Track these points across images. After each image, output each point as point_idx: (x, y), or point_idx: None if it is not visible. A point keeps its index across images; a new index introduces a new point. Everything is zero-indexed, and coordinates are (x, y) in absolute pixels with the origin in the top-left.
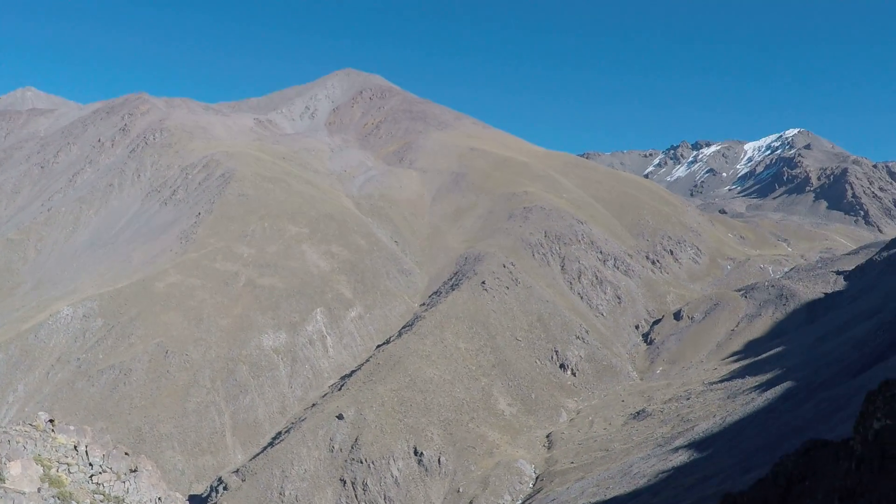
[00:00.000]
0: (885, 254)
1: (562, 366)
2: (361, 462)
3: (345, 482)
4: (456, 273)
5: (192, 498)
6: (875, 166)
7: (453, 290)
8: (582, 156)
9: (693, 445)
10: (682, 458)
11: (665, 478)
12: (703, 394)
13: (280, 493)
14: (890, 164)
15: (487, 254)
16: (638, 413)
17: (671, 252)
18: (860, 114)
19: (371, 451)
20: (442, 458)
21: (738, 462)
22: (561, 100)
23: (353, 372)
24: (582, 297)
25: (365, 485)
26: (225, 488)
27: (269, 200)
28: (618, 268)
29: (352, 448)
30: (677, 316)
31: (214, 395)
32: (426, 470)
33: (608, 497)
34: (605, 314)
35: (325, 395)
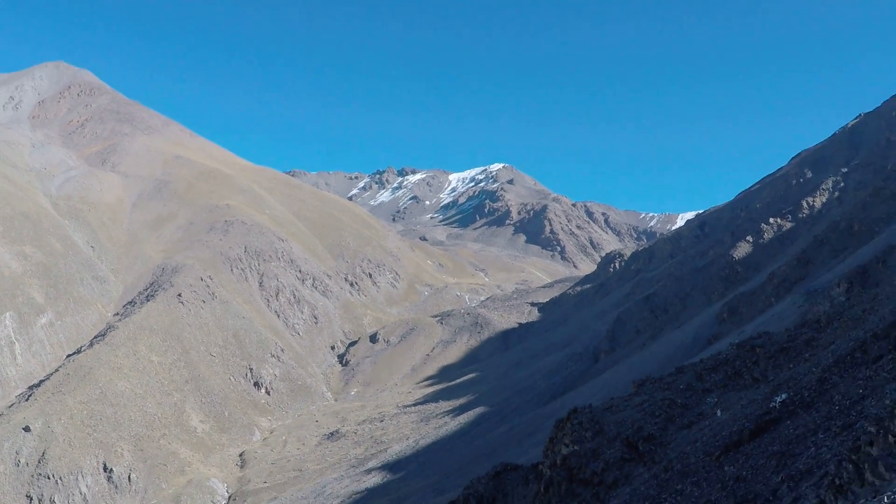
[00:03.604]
0: (578, 288)
1: (256, 384)
2: (49, 477)
3: (31, 498)
4: (152, 283)
5: None
6: (574, 205)
7: (149, 301)
8: (288, 173)
9: (386, 467)
10: (375, 479)
11: (359, 499)
12: (397, 416)
13: None
14: (588, 204)
15: (186, 266)
16: (332, 434)
17: (370, 275)
18: (562, 154)
19: (59, 466)
20: (132, 475)
21: (431, 484)
22: (270, 114)
23: (41, 381)
24: (279, 315)
25: (52, 501)
26: None
27: None
28: (316, 288)
29: (38, 462)
30: (373, 338)
31: None
32: (116, 487)
33: None
34: (301, 333)
35: (12, 405)
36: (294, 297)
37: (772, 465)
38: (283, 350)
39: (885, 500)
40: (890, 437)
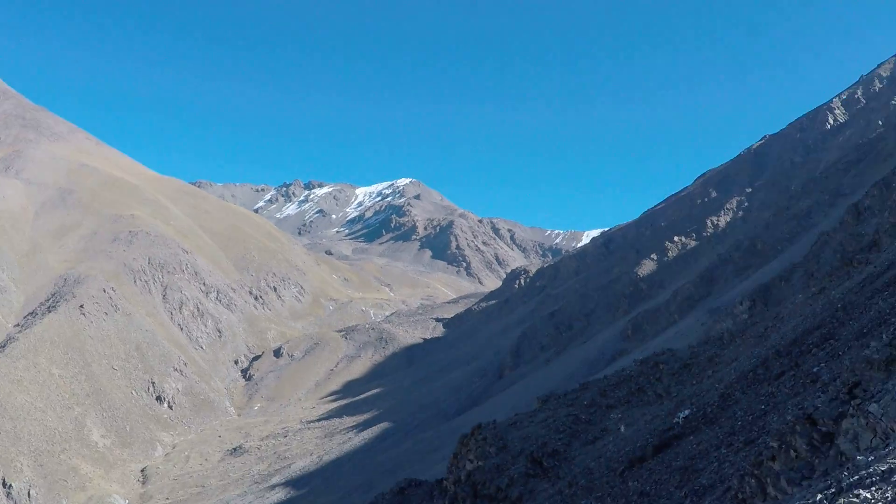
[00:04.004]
0: (483, 304)
1: (158, 398)
2: None
3: None
4: (54, 294)
5: None
6: (480, 221)
7: (50, 312)
8: (194, 184)
9: (290, 483)
10: (279, 495)
11: None
12: (301, 431)
13: None
14: (494, 220)
15: (88, 276)
16: (235, 449)
17: (275, 289)
18: (470, 170)
19: None
20: (32, 491)
21: (336, 500)
22: (177, 124)
23: None
24: (182, 329)
25: None
26: None
27: None
28: (220, 301)
29: None
30: (277, 353)
31: None
32: (15, 503)
33: None
34: (204, 347)
35: None
36: (198, 311)
37: (675, 480)
38: (186, 364)
39: None
40: (792, 452)
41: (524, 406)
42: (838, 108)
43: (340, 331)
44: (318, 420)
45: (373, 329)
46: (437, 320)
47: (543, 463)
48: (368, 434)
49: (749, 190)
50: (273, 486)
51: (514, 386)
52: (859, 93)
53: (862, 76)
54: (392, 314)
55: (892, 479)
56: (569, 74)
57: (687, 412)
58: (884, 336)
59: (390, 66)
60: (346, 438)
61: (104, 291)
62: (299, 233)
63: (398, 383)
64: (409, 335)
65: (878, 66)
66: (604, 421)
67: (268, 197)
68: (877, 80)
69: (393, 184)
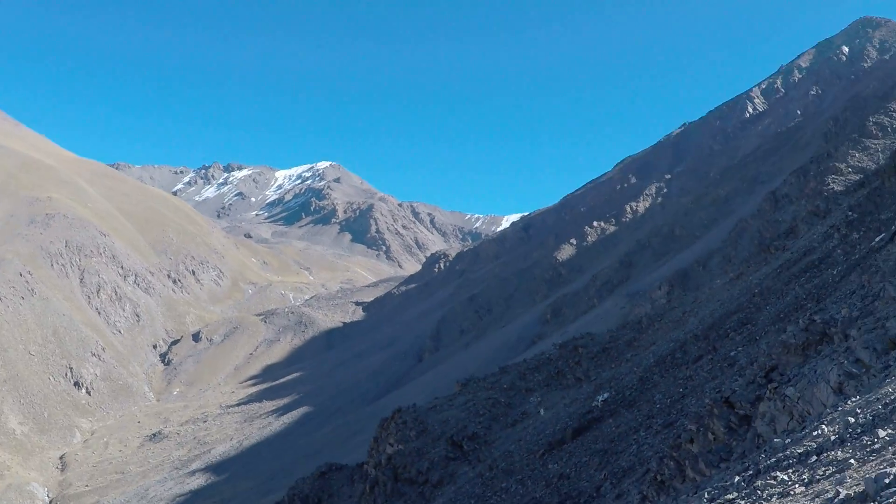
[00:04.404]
0: (402, 288)
1: (76, 383)
2: None
3: None
4: None
5: None
6: (400, 205)
7: None
8: (112, 165)
9: (210, 468)
10: (199, 481)
11: (182, 501)
12: (221, 416)
13: None
14: (414, 204)
15: (4, 260)
16: (154, 435)
17: (194, 272)
18: (390, 153)
19: None
20: None
21: (256, 485)
22: (95, 104)
23: None
24: (100, 313)
25: None
26: None
27: None
28: (139, 285)
29: None
30: (196, 337)
31: None
32: None
33: None
34: (123, 332)
35: None
36: (116, 294)
37: (595, 463)
38: (104, 349)
39: (706, 496)
40: (710, 434)
41: (444, 390)
42: (758, 97)
43: (260, 315)
44: (238, 405)
45: (292, 313)
46: (357, 304)
47: (464, 446)
48: (288, 418)
49: (668, 176)
50: (193, 472)
51: (434, 370)
52: (779, 83)
53: (782, 66)
54: (311, 298)
55: (809, 462)
56: (491, 58)
57: (606, 395)
58: (800, 321)
59: (309, 50)
60: (265, 423)
61: (20, 275)
62: (218, 216)
63: (318, 367)
64: (329, 319)
65: (798, 56)
66: (523, 404)
67: (187, 179)
68: (796, 71)
69: (313, 167)
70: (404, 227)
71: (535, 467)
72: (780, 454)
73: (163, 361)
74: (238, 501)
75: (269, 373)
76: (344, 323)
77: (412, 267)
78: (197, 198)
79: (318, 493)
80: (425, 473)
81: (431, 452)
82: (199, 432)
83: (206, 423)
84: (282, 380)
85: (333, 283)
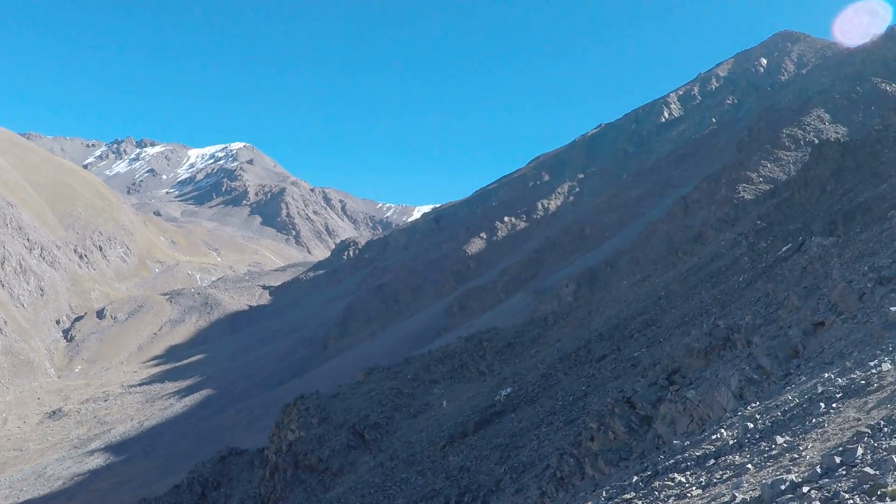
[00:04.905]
0: (311, 274)
1: None
2: None
3: None
4: None
5: None
6: (312, 190)
7: None
8: (23, 135)
9: (110, 448)
10: (98, 461)
11: (81, 481)
12: (122, 396)
13: None
14: (326, 190)
15: None
16: (54, 412)
17: (101, 248)
18: (304, 137)
19: None
20: None
21: (156, 467)
22: (5, 69)
23: None
24: (4, 286)
25: None
26: None
27: None
28: (44, 258)
29: None
30: (100, 314)
31: None
32: None
33: (21, 500)
34: (26, 306)
35: None
36: (20, 267)
37: (495, 457)
38: (6, 322)
39: (604, 495)
40: (610, 433)
41: (348, 378)
42: (674, 102)
43: (165, 294)
44: (140, 385)
45: (198, 294)
46: (264, 288)
47: (365, 435)
48: (190, 401)
49: (581, 176)
50: (92, 452)
51: (339, 357)
52: (696, 90)
53: (700, 74)
54: (218, 279)
55: (707, 465)
56: (408, 45)
57: (509, 390)
58: (704, 325)
59: (227, 25)
60: (167, 404)
61: None
62: (128, 192)
63: (222, 350)
64: (235, 301)
65: (717, 65)
66: (426, 395)
67: (98, 153)
68: (714, 80)
69: (226, 147)
70: (315, 212)
71: (436, 459)
72: (679, 456)
73: (65, 338)
74: (137, 482)
75: (172, 353)
76: (250, 306)
77: (321, 253)
78: (108, 172)
79: (217, 476)
80: (326, 461)
81: (333, 440)
82: (100, 411)
83: (108, 403)
84: (185, 361)
85: (241, 265)
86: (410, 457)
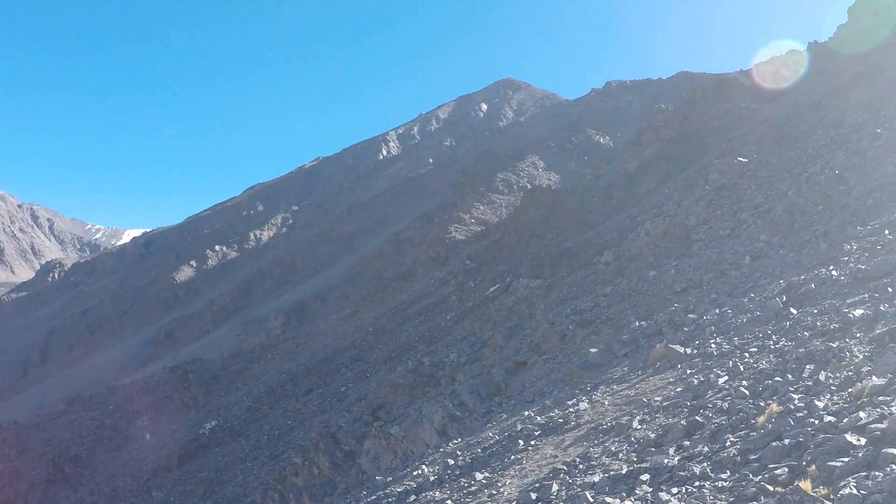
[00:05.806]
0: (13, 295)
1: None
2: None
3: None
4: None
5: None
6: (20, 206)
7: None
8: None
9: None
10: None
11: None
12: None
13: None
14: (35, 207)
15: None
16: None
17: None
18: (11, 149)
19: None
20: None
21: None
22: None
23: None
24: None
25: None
26: None
27: None
28: None
29: None
30: None
31: None
32: None
33: None
34: None
35: None
36: None
37: (199, 491)
38: None
39: None
40: (315, 468)
41: (49, 407)
42: (393, 141)
43: None
44: None
45: None
46: None
47: (65, 469)
48: None
49: (296, 208)
50: None
51: (40, 384)
52: (416, 129)
53: (421, 114)
54: None
55: (408, 501)
56: (117, 65)
57: (214, 423)
58: (409, 362)
59: None
60: None
61: None
62: None
63: None
64: None
65: (438, 107)
66: (129, 427)
67: None
68: (434, 121)
69: None
70: (21, 230)
71: (139, 494)
72: (381, 492)
73: None
74: None
75: None
76: None
77: (25, 273)
78: None
79: None
80: (24, 496)
81: (32, 474)
82: None
83: None
84: None
85: None
86: (113, 491)
